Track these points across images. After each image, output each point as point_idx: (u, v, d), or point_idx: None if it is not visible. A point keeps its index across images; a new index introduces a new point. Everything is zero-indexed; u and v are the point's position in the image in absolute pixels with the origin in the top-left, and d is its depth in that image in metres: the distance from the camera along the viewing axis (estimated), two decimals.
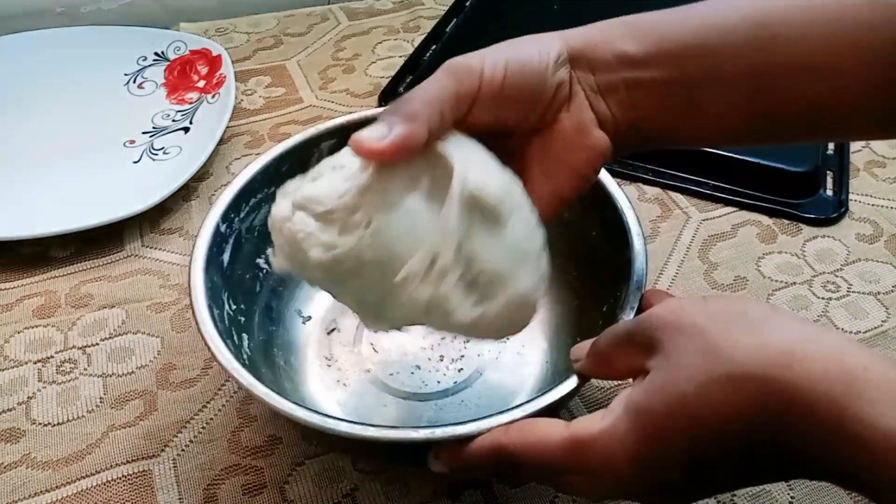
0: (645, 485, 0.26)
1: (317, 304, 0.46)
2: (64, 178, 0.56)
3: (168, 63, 0.65)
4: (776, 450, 0.24)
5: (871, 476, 0.22)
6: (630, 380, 0.29)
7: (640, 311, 0.34)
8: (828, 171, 0.56)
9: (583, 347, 0.32)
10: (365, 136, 0.28)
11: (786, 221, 0.53)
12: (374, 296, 0.30)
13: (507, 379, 0.43)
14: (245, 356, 0.38)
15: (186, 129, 0.60)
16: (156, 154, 0.58)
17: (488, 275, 0.30)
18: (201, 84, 0.63)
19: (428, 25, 0.73)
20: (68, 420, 0.41)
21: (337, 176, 0.29)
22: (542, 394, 0.32)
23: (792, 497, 0.38)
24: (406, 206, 0.28)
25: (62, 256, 0.51)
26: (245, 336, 0.40)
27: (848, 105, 0.30)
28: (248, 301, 0.42)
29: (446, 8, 0.75)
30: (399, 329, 0.32)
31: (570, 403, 0.42)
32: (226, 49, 0.64)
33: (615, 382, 0.43)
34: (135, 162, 0.57)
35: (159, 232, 0.52)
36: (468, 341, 0.44)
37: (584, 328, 0.40)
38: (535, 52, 0.31)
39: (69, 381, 0.43)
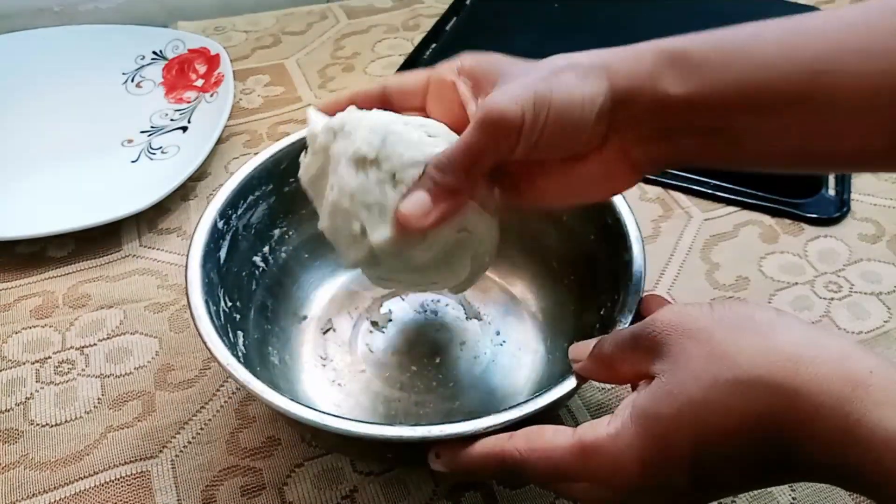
0: (651, 490, 0.26)
1: (313, 303, 0.46)
2: (62, 177, 0.55)
3: (166, 62, 0.65)
4: (782, 453, 0.24)
5: (876, 478, 0.22)
6: (629, 386, 0.29)
7: (637, 315, 0.34)
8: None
9: (582, 348, 0.32)
10: (410, 211, 0.30)
11: (788, 221, 0.53)
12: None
13: (504, 381, 0.42)
14: (240, 354, 0.38)
15: (185, 129, 0.59)
16: (154, 153, 0.57)
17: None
18: (199, 83, 0.63)
19: (428, 24, 0.73)
20: (66, 421, 0.41)
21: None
22: (540, 394, 0.32)
23: (793, 498, 0.38)
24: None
25: (60, 256, 0.51)
26: (240, 333, 0.39)
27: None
28: (244, 298, 0.41)
29: (446, 6, 0.75)
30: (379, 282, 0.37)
31: (571, 404, 0.42)
32: (224, 48, 0.64)
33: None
34: (133, 161, 0.57)
35: (157, 232, 0.52)
36: (464, 343, 0.44)
37: (580, 332, 0.40)
38: (578, 101, 0.29)
39: (67, 381, 0.43)
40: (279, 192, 0.44)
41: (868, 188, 0.56)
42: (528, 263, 0.47)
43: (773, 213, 0.54)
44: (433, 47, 0.69)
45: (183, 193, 0.54)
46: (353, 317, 0.46)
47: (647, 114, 0.30)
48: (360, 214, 0.32)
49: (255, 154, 0.43)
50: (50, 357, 0.44)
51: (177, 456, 0.40)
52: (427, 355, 0.44)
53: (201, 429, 0.41)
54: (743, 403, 0.24)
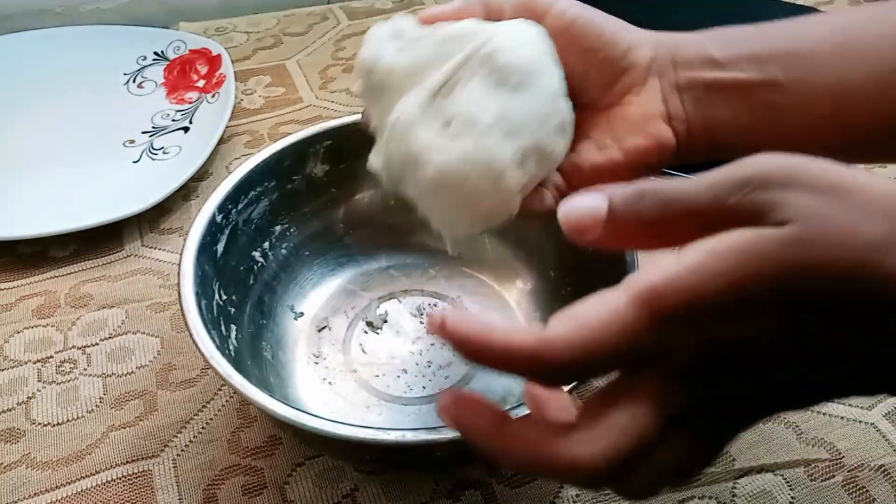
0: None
1: (310, 301, 0.46)
2: (63, 177, 0.56)
3: (168, 63, 0.65)
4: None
5: None
6: None
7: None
8: None
9: (589, 205, 0.23)
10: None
11: None
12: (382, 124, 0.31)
13: (494, 387, 0.42)
14: (231, 347, 0.38)
15: (186, 129, 0.59)
16: (155, 154, 0.58)
17: (464, 117, 0.28)
18: (201, 84, 0.63)
19: None
20: (68, 420, 0.41)
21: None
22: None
23: (793, 497, 0.38)
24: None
25: (62, 256, 0.51)
26: (233, 327, 0.40)
27: None
28: (241, 293, 0.42)
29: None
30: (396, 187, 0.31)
31: None
32: (225, 48, 0.64)
33: None
34: (134, 162, 0.57)
35: (159, 232, 0.52)
36: None
37: None
38: (615, 22, 0.31)
39: (69, 381, 0.43)
40: (282, 189, 0.44)
41: None
42: (526, 272, 0.47)
43: None
44: None
45: (184, 194, 0.55)
46: (349, 316, 0.46)
47: (685, 62, 0.31)
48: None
49: (258, 153, 0.43)
50: (52, 356, 0.45)
51: (178, 455, 0.40)
52: (419, 359, 0.44)
53: (203, 428, 0.41)
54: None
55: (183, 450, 0.40)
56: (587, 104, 0.32)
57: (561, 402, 0.26)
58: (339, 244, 0.48)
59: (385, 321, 0.46)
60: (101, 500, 0.38)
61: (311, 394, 0.42)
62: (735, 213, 0.21)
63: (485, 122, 0.28)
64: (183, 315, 0.35)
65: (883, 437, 0.41)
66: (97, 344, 0.45)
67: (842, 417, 0.41)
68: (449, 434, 0.30)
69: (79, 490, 0.38)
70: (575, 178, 0.31)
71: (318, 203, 0.47)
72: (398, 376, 0.43)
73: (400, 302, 0.47)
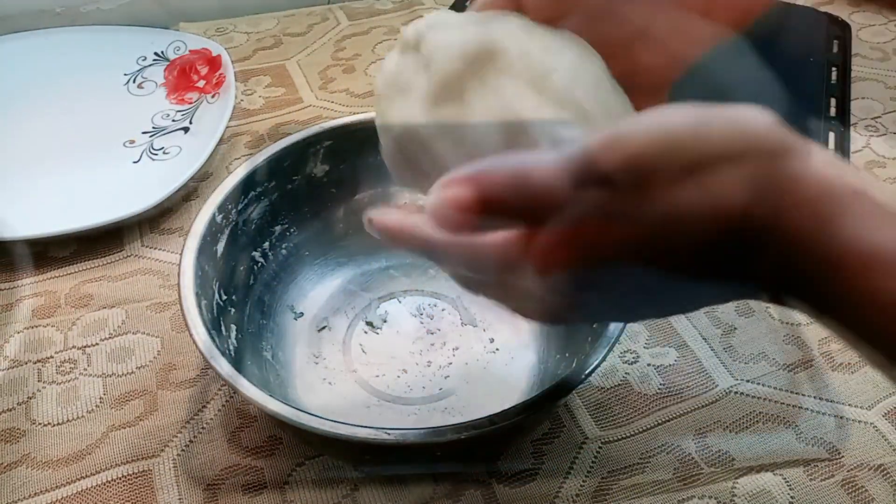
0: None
1: (310, 301, 0.46)
2: (64, 178, 0.56)
3: (168, 63, 0.65)
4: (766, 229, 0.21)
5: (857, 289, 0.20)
6: None
7: None
8: None
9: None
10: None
11: None
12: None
13: (494, 388, 0.42)
14: (231, 347, 0.38)
15: (186, 129, 0.59)
16: (156, 154, 0.58)
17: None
18: (201, 84, 0.63)
19: None
20: (68, 420, 0.41)
21: None
22: (526, 402, 0.32)
23: (792, 497, 0.38)
24: None
25: (62, 256, 0.51)
26: (233, 327, 0.40)
27: None
28: (241, 293, 0.42)
29: (446, 7, 0.75)
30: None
31: (570, 403, 0.42)
32: (226, 49, 0.64)
33: (617, 382, 0.43)
34: (135, 162, 0.57)
35: (159, 232, 0.52)
36: (458, 348, 0.44)
37: (573, 343, 0.40)
38: None
39: (69, 381, 0.43)
40: (282, 189, 0.44)
41: None
42: None
43: None
44: None
45: (185, 194, 0.55)
46: (349, 316, 0.46)
47: None
48: None
49: (258, 153, 0.43)
50: (52, 357, 0.45)
51: (178, 455, 0.40)
52: (419, 359, 0.44)
53: (203, 428, 0.41)
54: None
55: (183, 449, 0.40)
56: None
57: None
58: (339, 244, 0.48)
59: (385, 321, 0.46)
60: (101, 500, 0.38)
61: (311, 394, 0.42)
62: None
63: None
64: (183, 315, 0.35)
65: (882, 436, 0.41)
66: (97, 344, 0.45)
67: (841, 417, 0.41)
68: (449, 434, 0.30)
69: (79, 490, 0.38)
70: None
71: (318, 203, 0.47)
72: (398, 376, 0.43)
73: (400, 302, 0.47)
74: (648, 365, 0.44)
